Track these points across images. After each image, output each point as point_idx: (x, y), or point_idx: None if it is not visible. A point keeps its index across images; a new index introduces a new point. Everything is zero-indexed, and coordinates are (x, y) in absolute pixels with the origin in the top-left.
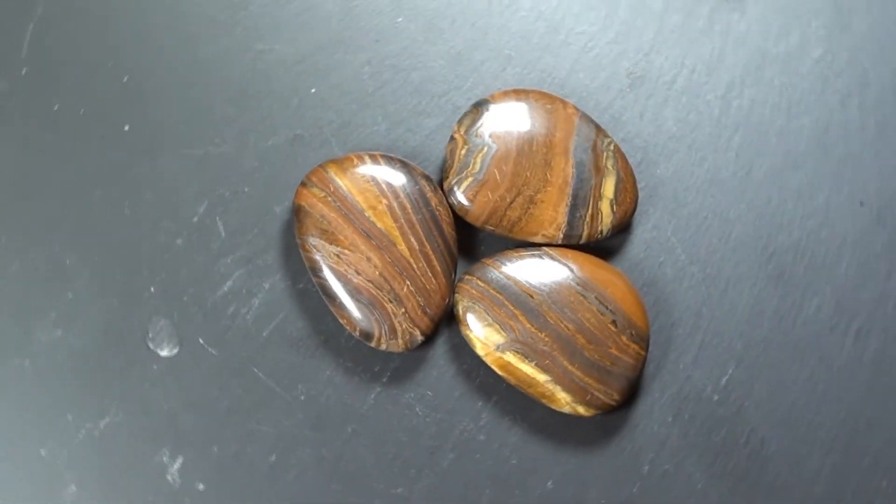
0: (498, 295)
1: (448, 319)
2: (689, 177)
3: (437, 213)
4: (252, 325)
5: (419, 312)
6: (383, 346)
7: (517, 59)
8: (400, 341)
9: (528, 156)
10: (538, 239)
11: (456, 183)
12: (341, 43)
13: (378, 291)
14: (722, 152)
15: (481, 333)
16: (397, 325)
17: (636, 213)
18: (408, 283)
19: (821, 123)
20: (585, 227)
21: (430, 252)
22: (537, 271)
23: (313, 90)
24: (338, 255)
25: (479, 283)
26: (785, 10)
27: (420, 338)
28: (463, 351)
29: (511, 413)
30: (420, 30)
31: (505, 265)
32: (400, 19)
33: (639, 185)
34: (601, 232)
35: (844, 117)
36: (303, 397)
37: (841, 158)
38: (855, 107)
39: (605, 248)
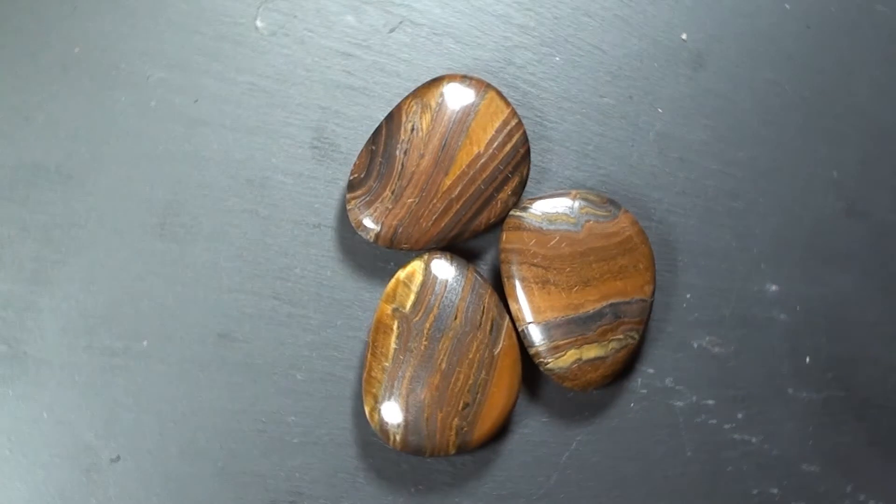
0: (444, 289)
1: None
2: (624, 464)
3: (495, 201)
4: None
5: (393, 224)
6: (350, 205)
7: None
8: (360, 216)
9: (587, 265)
10: (514, 308)
11: (528, 206)
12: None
13: (395, 177)
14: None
15: (403, 288)
16: (374, 207)
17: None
18: (416, 201)
19: None
20: (549, 350)
21: (454, 210)
22: (484, 314)
23: (555, 60)
24: (412, 128)
25: (448, 266)
26: None
27: (370, 236)
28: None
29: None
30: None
31: (475, 284)
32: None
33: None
34: (548, 365)
35: None
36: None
37: None
38: None
39: (536, 383)
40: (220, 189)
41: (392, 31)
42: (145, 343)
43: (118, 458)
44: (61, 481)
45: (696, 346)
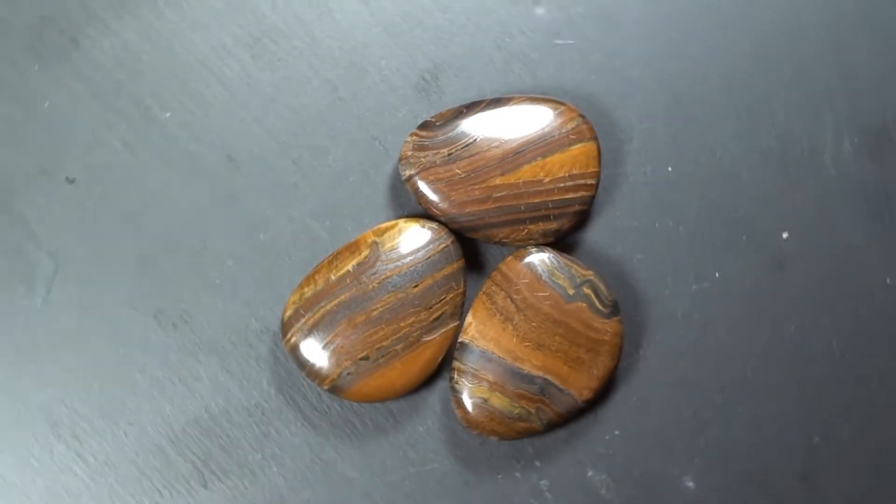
0: (425, 258)
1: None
2: None
3: (523, 227)
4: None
5: (429, 179)
6: (409, 139)
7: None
8: (408, 152)
9: (552, 333)
10: (468, 320)
11: (543, 251)
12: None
13: (461, 145)
14: None
15: (395, 232)
16: (425, 153)
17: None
18: (461, 175)
19: None
20: (467, 372)
21: (485, 208)
22: (440, 303)
23: (668, 170)
24: (484, 120)
25: (444, 245)
26: None
27: (405, 175)
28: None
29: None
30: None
31: (453, 276)
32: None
33: None
34: (455, 383)
35: None
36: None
37: None
38: None
39: (442, 398)
40: (323, 49)
41: (557, 43)
42: (168, 115)
43: (73, 180)
44: (13, 177)
45: (590, 474)
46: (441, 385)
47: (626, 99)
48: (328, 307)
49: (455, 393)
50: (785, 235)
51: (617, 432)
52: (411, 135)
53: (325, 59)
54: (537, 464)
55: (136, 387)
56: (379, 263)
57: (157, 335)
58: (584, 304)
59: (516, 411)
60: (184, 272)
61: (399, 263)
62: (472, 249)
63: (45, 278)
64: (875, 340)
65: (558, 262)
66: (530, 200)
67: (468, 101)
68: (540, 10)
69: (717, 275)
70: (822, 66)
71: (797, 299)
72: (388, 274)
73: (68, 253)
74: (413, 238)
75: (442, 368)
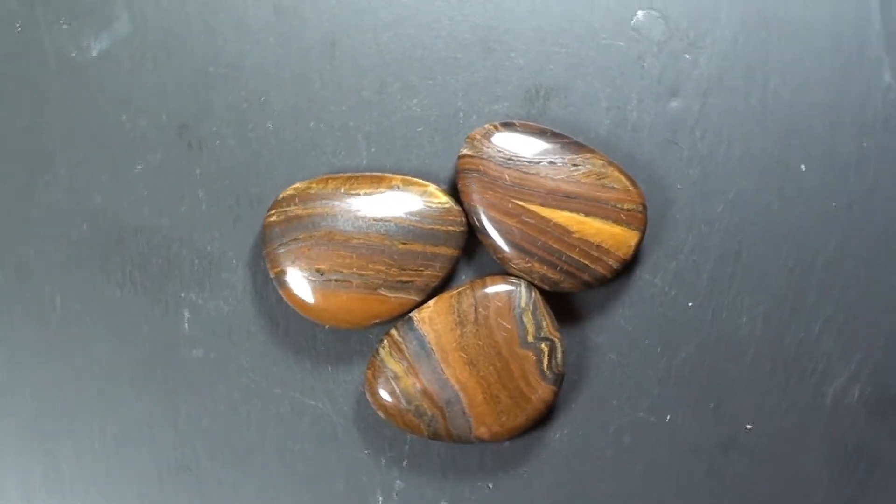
0: (428, 225)
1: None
2: None
3: (531, 261)
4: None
5: (478, 169)
6: (486, 126)
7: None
8: (476, 135)
9: (490, 361)
10: (427, 304)
11: (531, 291)
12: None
13: (526, 158)
14: None
15: (419, 189)
16: (490, 145)
17: None
18: (508, 183)
19: None
20: (398, 343)
21: (510, 224)
22: (415, 273)
23: (690, 306)
24: (575, 164)
25: (454, 229)
26: None
27: (461, 152)
28: None
29: None
30: None
31: (441, 260)
32: None
33: None
34: (380, 351)
35: None
36: None
37: None
38: None
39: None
40: (469, 10)
41: (668, 139)
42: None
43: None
44: None
45: None
46: (373, 345)
47: (692, 223)
48: (320, 210)
49: (375, 356)
50: (749, 427)
51: (490, 486)
52: (490, 124)
53: (465, 19)
54: (405, 463)
55: (123, 173)
56: (387, 204)
57: (168, 143)
58: (534, 357)
59: (414, 404)
60: (228, 109)
61: (402, 216)
62: (476, 250)
63: (114, 36)
64: None
65: (535, 307)
66: (550, 243)
67: (564, 125)
68: (674, 104)
69: (667, 418)
70: (879, 314)
71: (723, 489)
72: (388, 218)
73: (146, 29)
74: (430, 204)
75: (381, 331)
